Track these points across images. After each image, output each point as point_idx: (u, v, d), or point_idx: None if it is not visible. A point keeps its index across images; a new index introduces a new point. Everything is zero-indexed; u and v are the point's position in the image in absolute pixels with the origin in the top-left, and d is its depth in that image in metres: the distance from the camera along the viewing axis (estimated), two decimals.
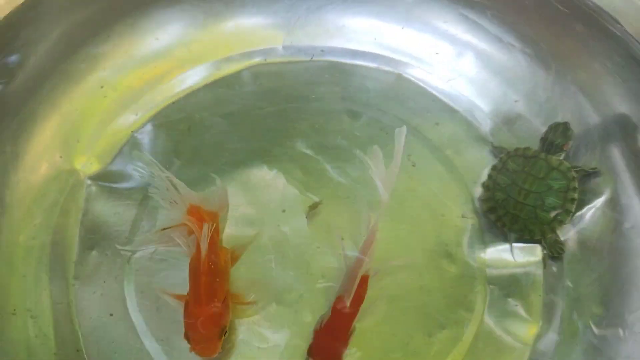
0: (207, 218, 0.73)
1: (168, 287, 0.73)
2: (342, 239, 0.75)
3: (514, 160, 0.81)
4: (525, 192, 0.79)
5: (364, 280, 0.71)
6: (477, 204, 0.82)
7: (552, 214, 0.78)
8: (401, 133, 0.73)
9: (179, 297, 0.70)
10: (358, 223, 0.75)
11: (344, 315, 0.69)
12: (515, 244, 0.80)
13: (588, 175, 0.80)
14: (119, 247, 0.76)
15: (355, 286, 0.69)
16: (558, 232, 0.79)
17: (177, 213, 0.74)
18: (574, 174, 0.78)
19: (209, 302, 0.66)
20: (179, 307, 0.69)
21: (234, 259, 0.74)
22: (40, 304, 0.74)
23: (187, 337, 0.66)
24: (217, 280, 0.68)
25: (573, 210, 0.78)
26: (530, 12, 0.87)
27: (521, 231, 0.79)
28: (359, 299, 0.70)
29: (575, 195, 0.78)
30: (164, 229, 0.76)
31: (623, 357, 0.71)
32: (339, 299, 0.70)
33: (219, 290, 0.68)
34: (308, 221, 0.80)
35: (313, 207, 0.80)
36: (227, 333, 0.68)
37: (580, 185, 0.79)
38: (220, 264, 0.70)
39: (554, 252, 0.78)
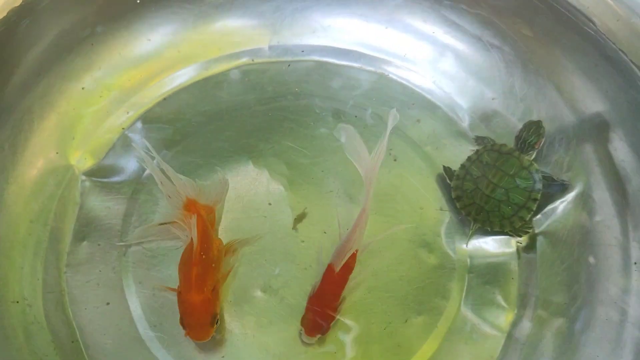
0: (202, 211, 0.76)
1: (165, 278, 0.77)
2: (325, 232, 0.80)
3: (489, 154, 0.84)
4: (493, 185, 0.82)
5: (353, 254, 0.75)
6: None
7: (515, 209, 0.81)
8: (392, 115, 0.79)
9: (172, 289, 0.74)
10: (344, 215, 0.79)
11: (334, 282, 0.74)
12: (492, 236, 0.83)
13: (555, 183, 0.83)
14: (118, 243, 0.79)
15: (346, 257, 0.73)
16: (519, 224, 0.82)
17: (173, 207, 0.77)
18: (541, 176, 0.81)
19: (200, 292, 0.70)
20: (174, 297, 0.73)
21: (232, 251, 0.77)
22: (34, 292, 0.76)
23: (182, 323, 0.70)
24: (208, 270, 0.72)
25: (534, 209, 0.81)
26: (508, 11, 0.89)
27: (483, 222, 0.82)
28: (347, 269, 0.74)
29: (538, 196, 0.81)
30: (161, 224, 0.79)
31: (591, 343, 0.74)
32: (330, 267, 0.74)
33: (210, 280, 0.71)
34: (291, 213, 0.83)
35: (299, 219, 0.82)
36: (219, 321, 0.72)
37: (546, 189, 0.82)
38: (211, 255, 0.73)
39: (521, 233, 0.82)
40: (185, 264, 0.72)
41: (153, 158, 0.78)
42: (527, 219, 0.81)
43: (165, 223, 0.78)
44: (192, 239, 0.72)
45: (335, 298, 0.74)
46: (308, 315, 0.74)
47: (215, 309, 0.71)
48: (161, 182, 0.77)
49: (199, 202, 0.78)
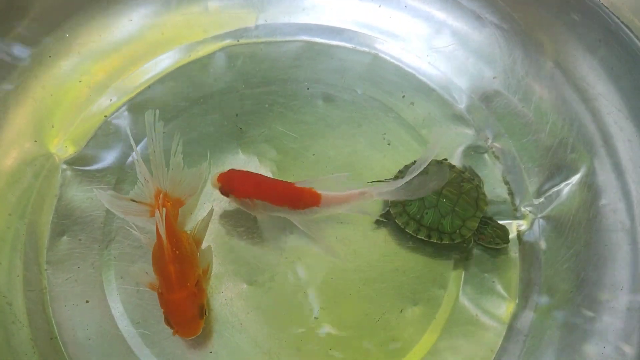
0: (168, 205, 0.72)
1: (149, 272, 0.72)
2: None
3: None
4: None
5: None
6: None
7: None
8: (436, 134, 0.80)
9: (152, 285, 0.70)
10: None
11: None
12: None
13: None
14: (96, 192, 0.75)
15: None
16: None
17: (145, 191, 0.73)
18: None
19: (183, 288, 0.67)
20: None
21: (197, 241, 0.74)
22: (14, 290, 0.73)
23: (168, 322, 0.67)
24: (185, 264, 0.68)
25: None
26: None
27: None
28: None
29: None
30: (132, 200, 0.74)
31: (599, 333, 0.71)
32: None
33: (190, 273, 0.68)
34: None
35: None
36: (207, 312, 0.69)
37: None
38: (184, 248, 0.69)
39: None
40: (160, 263, 0.68)
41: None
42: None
43: (137, 201, 0.74)
44: (159, 235, 0.68)
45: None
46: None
47: (202, 300, 0.68)
48: (139, 165, 0.73)
49: (169, 196, 0.74)
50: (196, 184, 0.77)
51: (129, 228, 0.76)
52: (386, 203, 0.78)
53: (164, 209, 0.69)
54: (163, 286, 0.68)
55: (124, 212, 0.73)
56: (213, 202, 0.79)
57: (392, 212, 0.77)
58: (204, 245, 0.75)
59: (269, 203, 0.72)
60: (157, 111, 0.73)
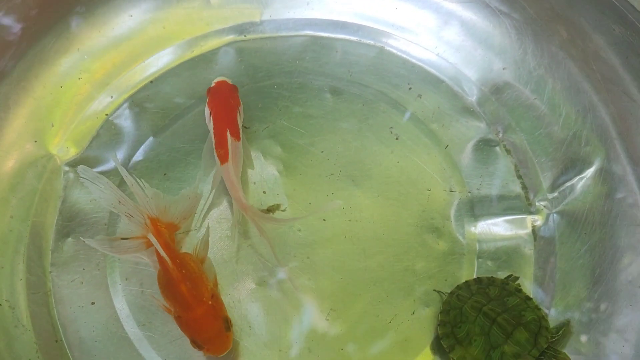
0: (163, 230, 0.70)
1: (152, 275, 0.71)
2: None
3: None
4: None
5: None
6: (466, 184, 0.79)
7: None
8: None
9: (168, 309, 0.68)
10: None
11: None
12: (504, 217, 0.77)
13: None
14: (82, 238, 0.73)
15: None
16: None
17: (135, 225, 0.71)
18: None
19: (199, 303, 0.65)
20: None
21: (201, 260, 0.71)
22: (16, 294, 0.72)
23: (195, 344, 0.65)
24: (196, 281, 0.67)
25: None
26: None
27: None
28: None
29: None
30: (123, 238, 0.72)
31: (617, 329, 0.69)
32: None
33: (202, 288, 0.66)
34: (287, 203, 0.77)
35: (273, 209, 0.77)
36: (232, 324, 0.67)
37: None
38: (190, 267, 0.68)
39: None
40: (169, 288, 0.67)
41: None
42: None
43: (127, 238, 0.71)
44: (161, 261, 0.67)
45: None
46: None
47: (224, 312, 0.67)
48: (119, 201, 0.71)
49: (162, 220, 0.72)
50: (189, 208, 0.75)
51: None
52: (437, 317, 0.71)
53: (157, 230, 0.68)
54: (179, 309, 0.66)
55: (118, 252, 0.71)
56: (208, 220, 0.77)
57: (439, 331, 0.69)
58: None
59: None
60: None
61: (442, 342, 0.68)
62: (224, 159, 0.73)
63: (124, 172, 0.71)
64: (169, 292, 0.67)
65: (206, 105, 0.79)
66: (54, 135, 0.81)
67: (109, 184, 0.71)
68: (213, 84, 0.80)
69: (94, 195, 0.73)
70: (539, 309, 0.68)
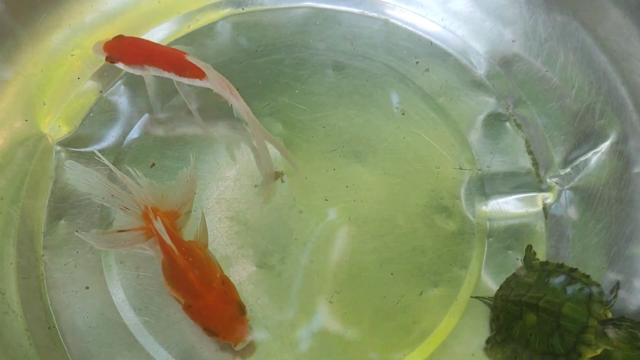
0: (164, 219, 0.67)
1: (148, 258, 0.69)
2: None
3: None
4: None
5: None
6: (477, 161, 0.77)
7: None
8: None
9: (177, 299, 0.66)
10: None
11: None
12: (515, 196, 0.74)
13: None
14: (77, 234, 0.69)
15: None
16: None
17: (131, 217, 0.68)
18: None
19: (209, 289, 0.63)
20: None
21: (203, 246, 0.68)
22: (6, 279, 0.69)
23: (211, 333, 0.63)
24: (204, 267, 0.64)
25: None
26: None
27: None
28: None
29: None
30: (120, 231, 0.69)
31: (633, 309, 0.66)
32: None
33: (211, 274, 0.64)
34: (289, 184, 0.75)
35: (277, 176, 0.75)
36: (246, 308, 0.65)
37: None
38: (196, 254, 0.65)
39: None
40: (176, 277, 0.64)
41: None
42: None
43: (125, 230, 0.68)
44: (165, 251, 0.64)
45: None
46: None
47: (236, 297, 0.64)
48: (112, 194, 0.68)
49: (161, 209, 0.69)
50: (187, 193, 0.72)
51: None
52: (491, 327, 0.68)
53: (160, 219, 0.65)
54: (189, 298, 0.63)
55: (115, 246, 0.68)
56: (201, 206, 0.74)
57: (497, 339, 0.66)
58: None
59: (158, 68, 0.73)
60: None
61: (504, 349, 0.65)
62: (200, 73, 0.72)
63: (112, 167, 0.68)
64: (176, 282, 0.65)
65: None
66: (46, 114, 0.78)
67: (99, 177, 0.68)
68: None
69: (83, 191, 0.71)
70: (587, 277, 0.65)
